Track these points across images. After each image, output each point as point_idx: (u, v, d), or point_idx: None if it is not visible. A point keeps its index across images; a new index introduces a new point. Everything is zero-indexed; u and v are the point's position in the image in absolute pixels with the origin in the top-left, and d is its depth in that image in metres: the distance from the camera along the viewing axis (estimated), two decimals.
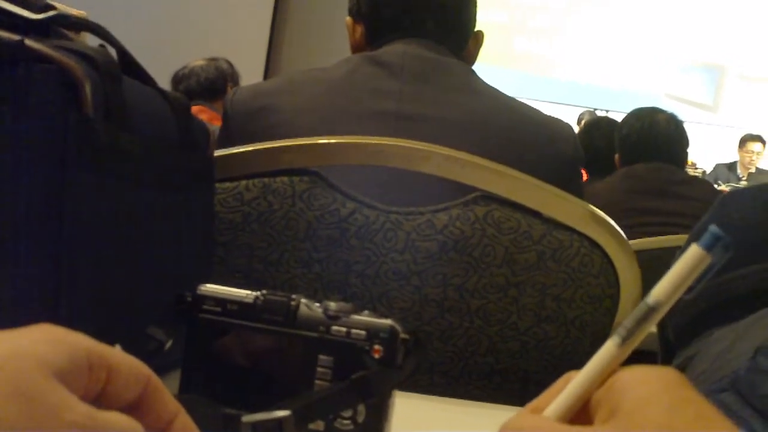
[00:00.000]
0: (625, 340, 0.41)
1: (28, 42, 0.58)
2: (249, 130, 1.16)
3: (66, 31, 0.70)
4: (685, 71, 7.79)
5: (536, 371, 1.04)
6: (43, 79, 0.59)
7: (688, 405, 0.37)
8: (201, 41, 3.43)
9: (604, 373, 0.40)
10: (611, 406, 0.38)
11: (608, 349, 0.41)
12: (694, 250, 0.39)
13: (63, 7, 0.66)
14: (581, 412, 0.41)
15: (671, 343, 0.96)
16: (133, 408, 0.39)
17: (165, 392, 0.40)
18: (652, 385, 0.38)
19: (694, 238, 1.02)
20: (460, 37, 1.33)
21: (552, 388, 0.43)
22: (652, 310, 0.40)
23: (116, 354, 0.39)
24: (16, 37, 0.58)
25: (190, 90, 3.01)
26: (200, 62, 3.17)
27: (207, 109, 2.91)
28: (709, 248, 0.39)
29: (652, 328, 0.88)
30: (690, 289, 0.40)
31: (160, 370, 0.41)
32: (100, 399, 0.38)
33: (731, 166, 7.11)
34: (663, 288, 0.40)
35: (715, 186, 4.05)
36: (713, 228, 0.39)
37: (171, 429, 0.40)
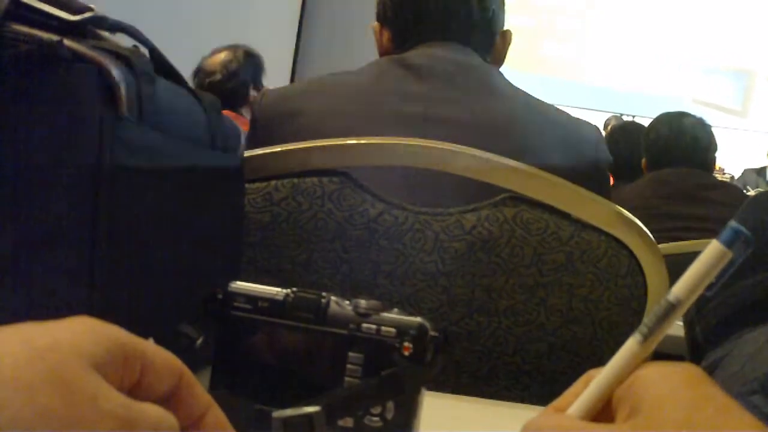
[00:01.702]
0: (646, 338, 0.40)
1: (67, 42, 0.59)
2: (277, 134, 1.16)
3: (101, 32, 0.71)
4: (713, 75, 7.73)
5: (563, 372, 1.04)
6: (82, 79, 0.60)
7: (708, 402, 0.36)
8: (228, 42, 3.43)
9: (626, 371, 0.40)
10: (632, 404, 0.38)
11: (629, 346, 0.41)
12: (714, 247, 0.39)
13: None
14: (603, 409, 0.41)
15: (700, 345, 0.96)
16: (166, 400, 0.39)
17: (198, 386, 0.41)
18: (673, 382, 0.38)
19: None
20: (487, 38, 1.33)
21: (573, 386, 0.43)
22: (672, 307, 0.40)
23: (151, 347, 0.39)
24: (55, 38, 0.59)
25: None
26: (220, 56, 3.05)
27: (236, 115, 2.88)
28: (729, 244, 0.38)
29: (678, 331, 0.87)
30: (711, 286, 0.39)
31: (191, 367, 0.41)
32: (134, 391, 0.38)
33: (760, 171, 7.04)
34: (684, 285, 0.40)
35: (744, 191, 4.01)
36: (733, 224, 0.38)
37: (203, 422, 0.41)
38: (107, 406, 0.34)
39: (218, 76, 3.01)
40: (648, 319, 0.40)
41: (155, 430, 0.36)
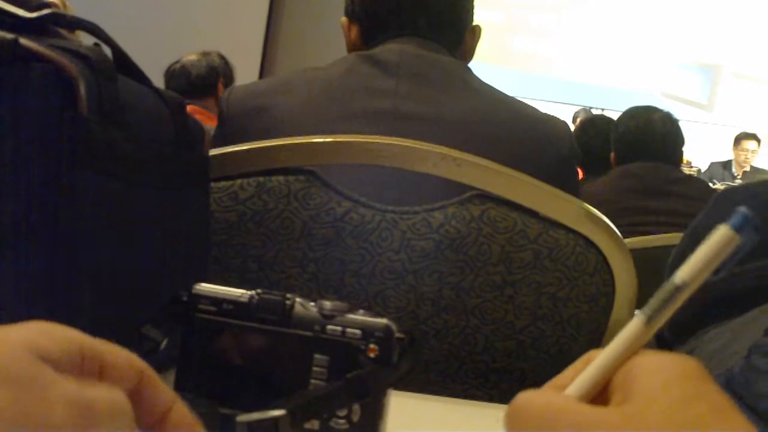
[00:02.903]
0: (650, 319, 0.39)
1: (23, 41, 0.58)
2: (244, 130, 1.15)
3: (61, 30, 0.70)
4: (681, 70, 7.80)
5: (532, 370, 1.04)
6: (39, 79, 0.59)
7: (702, 398, 0.36)
8: (196, 40, 3.41)
9: (627, 353, 0.39)
10: (625, 391, 0.38)
11: (633, 328, 0.40)
12: (723, 231, 0.38)
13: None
14: (601, 392, 0.40)
15: (666, 340, 0.97)
16: (129, 398, 0.39)
17: (160, 383, 0.41)
18: (669, 374, 0.37)
19: (691, 237, 1.02)
20: (456, 34, 1.33)
21: (573, 365, 0.42)
22: (678, 289, 0.39)
23: (109, 347, 0.39)
24: (10, 36, 0.58)
25: (180, 88, 2.99)
26: (192, 57, 3.15)
27: (200, 109, 2.90)
28: (738, 229, 0.38)
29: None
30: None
31: (156, 370, 0.41)
32: None
33: (726, 165, 7.12)
34: (691, 267, 0.39)
35: (711, 185, 4.05)
36: (743, 209, 0.38)
37: (168, 418, 0.41)
38: (58, 393, 0.34)
39: (193, 57, 3.08)
40: (652, 300, 0.40)
41: (110, 411, 0.36)
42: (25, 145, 0.61)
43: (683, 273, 0.39)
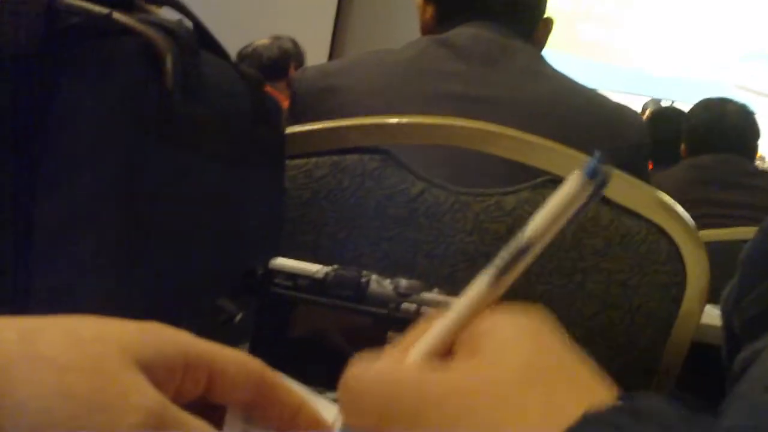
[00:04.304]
0: (497, 278, 0.35)
1: (116, 15, 0.60)
2: (316, 110, 1.16)
3: (146, 5, 0.71)
4: (756, 61, 7.60)
5: (599, 358, 1.03)
6: (130, 51, 0.60)
7: (550, 352, 0.33)
8: (267, 20, 3.44)
9: (473, 313, 0.35)
10: (473, 347, 0.34)
11: (478, 287, 0.35)
12: (575, 177, 0.34)
13: None
14: (445, 356, 0.36)
15: (737, 336, 0.95)
16: (252, 407, 0.38)
17: (283, 388, 0.38)
18: (517, 329, 0.34)
19: (765, 232, 1.00)
20: (530, 22, 1.32)
21: (415, 329, 0.37)
22: (529, 243, 0.35)
23: (223, 353, 0.37)
24: (104, 10, 0.59)
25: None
26: (264, 41, 3.18)
27: (273, 90, 2.93)
28: (591, 175, 0.34)
29: (716, 321, 0.85)
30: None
31: (230, 342, 0.40)
32: (205, 399, 0.37)
33: None
34: (542, 218, 0.35)
35: None
36: (597, 153, 0.34)
37: (296, 422, 0.38)
38: (138, 400, 0.32)
39: (265, 41, 3.10)
40: (499, 257, 0.35)
41: None
42: (112, 116, 0.62)
43: (534, 225, 0.35)
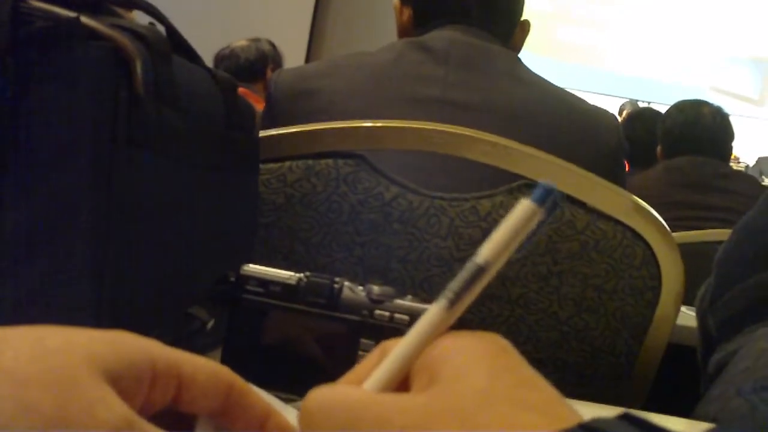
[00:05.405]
0: (453, 304, 0.36)
1: (84, 19, 0.59)
2: (292, 113, 1.16)
3: (116, 9, 0.70)
4: (731, 64, 7.67)
5: (575, 362, 1.03)
6: (98, 57, 0.59)
7: (510, 372, 0.34)
8: (244, 23, 3.43)
9: (429, 340, 0.36)
10: (430, 374, 0.34)
11: (433, 313, 0.36)
12: (524, 205, 0.35)
13: None
14: (402, 384, 0.36)
15: (713, 338, 0.95)
16: (220, 415, 0.38)
17: (252, 395, 0.39)
18: (475, 353, 0.35)
19: (740, 234, 1.00)
20: (507, 25, 1.32)
21: (368, 358, 0.38)
22: (481, 270, 0.36)
23: (192, 362, 0.37)
24: (71, 14, 0.58)
25: (229, 72, 3.00)
26: (242, 43, 3.17)
27: (249, 92, 2.92)
28: (541, 202, 0.35)
29: (691, 322, 0.85)
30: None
31: (201, 350, 0.40)
32: (175, 408, 0.36)
33: None
34: (494, 245, 0.35)
35: (760, 180, 3.98)
36: (545, 182, 0.35)
37: (266, 429, 0.39)
38: (104, 415, 0.31)
39: (243, 42, 3.10)
40: (454, 283, 0.36)
41: None
42: (81, 122, 0.61)
43: (486, 252, 0.36)
